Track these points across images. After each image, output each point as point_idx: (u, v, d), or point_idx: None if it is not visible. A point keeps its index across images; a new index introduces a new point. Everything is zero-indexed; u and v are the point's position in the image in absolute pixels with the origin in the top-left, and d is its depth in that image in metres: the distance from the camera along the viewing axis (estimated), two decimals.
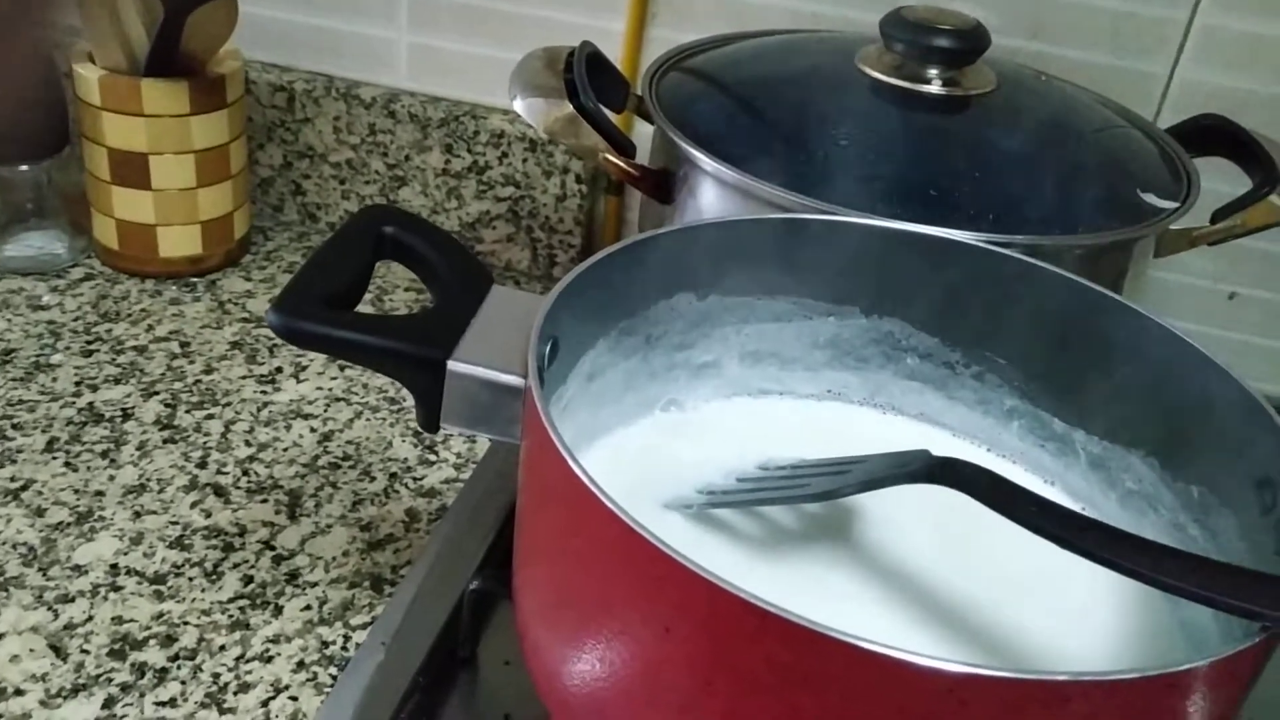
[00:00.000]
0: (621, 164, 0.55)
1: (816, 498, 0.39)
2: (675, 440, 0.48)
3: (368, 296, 0.75)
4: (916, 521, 0.43)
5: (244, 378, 0.67)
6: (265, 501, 0.58)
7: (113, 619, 0.51)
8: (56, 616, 0.51)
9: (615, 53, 0.74)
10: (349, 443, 0.63)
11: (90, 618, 0.51)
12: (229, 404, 0.65)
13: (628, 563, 0.31)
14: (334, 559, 0.55)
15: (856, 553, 0.42)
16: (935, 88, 0.55)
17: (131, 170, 0.70)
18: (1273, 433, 0.38)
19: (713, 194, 0.53)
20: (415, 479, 0.61)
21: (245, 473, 0.60)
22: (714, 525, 0.43)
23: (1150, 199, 0.52)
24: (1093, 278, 0.51)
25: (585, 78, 0.55)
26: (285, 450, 0.62)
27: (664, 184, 0.55)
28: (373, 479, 0.61)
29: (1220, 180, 0.59)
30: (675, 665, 0.31)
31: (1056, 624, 0.40)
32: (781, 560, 0.42)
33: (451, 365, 0.37)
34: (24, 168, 0.72)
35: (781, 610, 0.28)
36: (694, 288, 0.47)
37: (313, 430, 0.63)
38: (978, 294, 0.47)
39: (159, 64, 0.68)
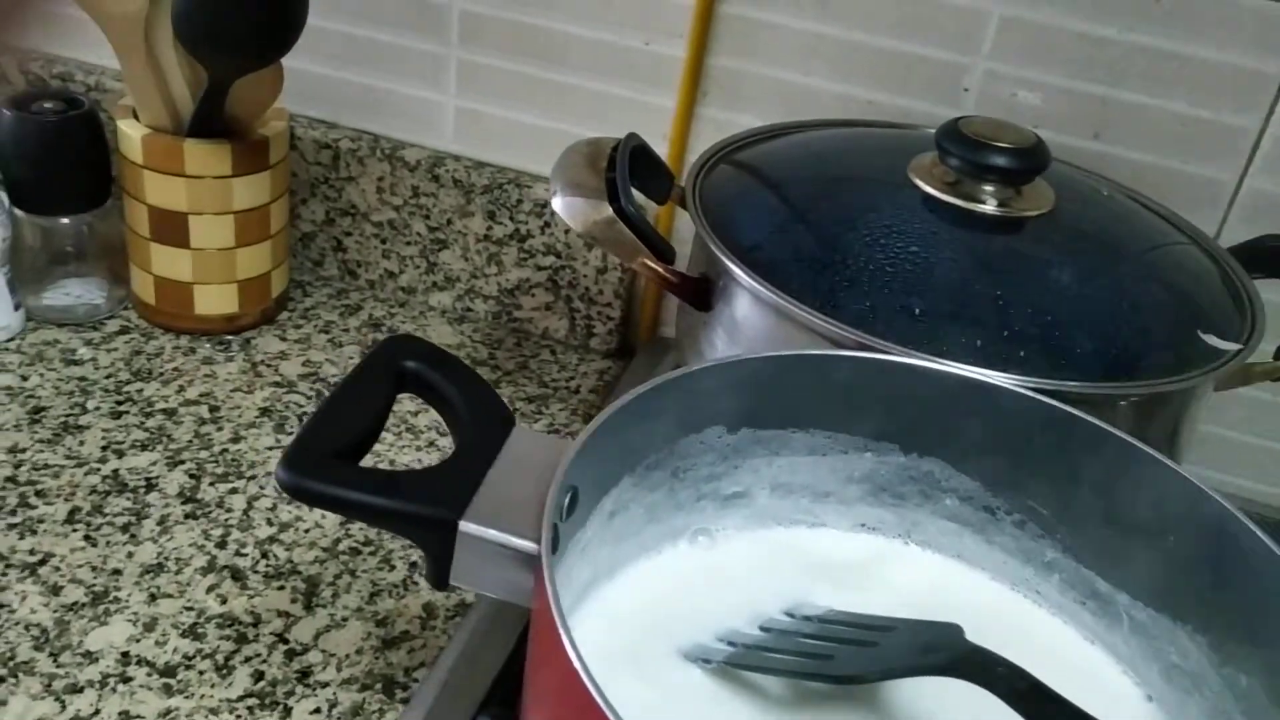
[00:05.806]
0: (660, 270, 0.53)
1: (838, 680, 0.37)
2: (701, 574, 0.47)
3: None
4: (955, 698, 0.41)
5: (270, 448, 0.66)
6: (282, 589, 0.57)
7: (119, 714, 0.50)
8: (64, 709, 0.50)
9: (664, 129, 0.72)
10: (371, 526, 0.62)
11: (97, 711, 0.50)
12: (254, 476, 0.64)
13: None
14: (347, 656, 0.54)
15: None
16: (990, 207, 0.53)
17: (171, 229, 0.70)
18: None
19: (749, 308, 0.51)
20: None
21: (264, 555, 0.59)
22: (736, 678, 0.41)
23: (1211, 340, 0.50)
24: (1146, 421, 0.49)
25: (628, 178, 0.54)
26: (307, 532, 0.61)
27: (702, 291, 0.54)
28: (392, 568, 0.59)
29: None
30: None
31: None
32: None
33: (463, 526, 0.35)
34: (65, 220, 0.71)
35: None
36: (725, 422, 0.45)
37: None
38: (1019, 440, 0.45)
39: (202, 125, 0.68)
